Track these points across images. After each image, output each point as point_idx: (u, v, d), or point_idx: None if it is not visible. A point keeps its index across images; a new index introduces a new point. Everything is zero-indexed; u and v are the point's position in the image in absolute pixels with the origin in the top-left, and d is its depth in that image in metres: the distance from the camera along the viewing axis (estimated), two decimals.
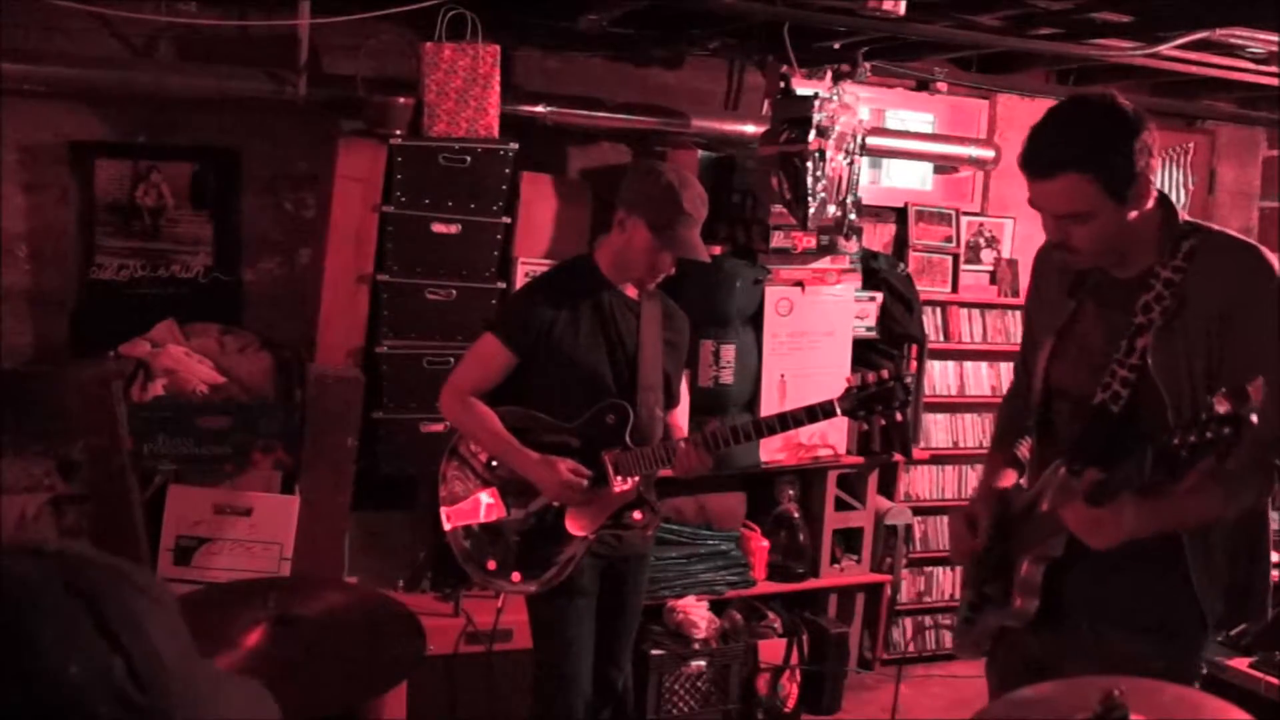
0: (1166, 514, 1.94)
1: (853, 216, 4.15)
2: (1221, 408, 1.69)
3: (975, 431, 5.04)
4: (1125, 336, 2.05)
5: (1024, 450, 2.38)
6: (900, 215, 5.02)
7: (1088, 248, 2.05)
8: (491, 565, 2.88)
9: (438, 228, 3.78)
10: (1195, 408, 1.95)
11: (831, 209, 4.02)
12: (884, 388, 2.65)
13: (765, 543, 4.39)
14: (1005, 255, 5.14)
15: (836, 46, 4.05)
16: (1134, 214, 2.02)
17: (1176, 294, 2.01)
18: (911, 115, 5.13)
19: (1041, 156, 2.00)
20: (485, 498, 2.91)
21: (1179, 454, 1.76)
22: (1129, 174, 1.97)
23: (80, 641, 0.82)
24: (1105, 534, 1.93)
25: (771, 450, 4.25)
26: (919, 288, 4.73)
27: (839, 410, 2.70)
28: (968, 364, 5.02)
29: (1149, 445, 1.84)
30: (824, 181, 3.88)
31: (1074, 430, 2.14)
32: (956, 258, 5.07)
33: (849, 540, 4.60)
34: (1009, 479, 2.34)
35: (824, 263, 4.30)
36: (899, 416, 2.70)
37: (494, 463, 2.90)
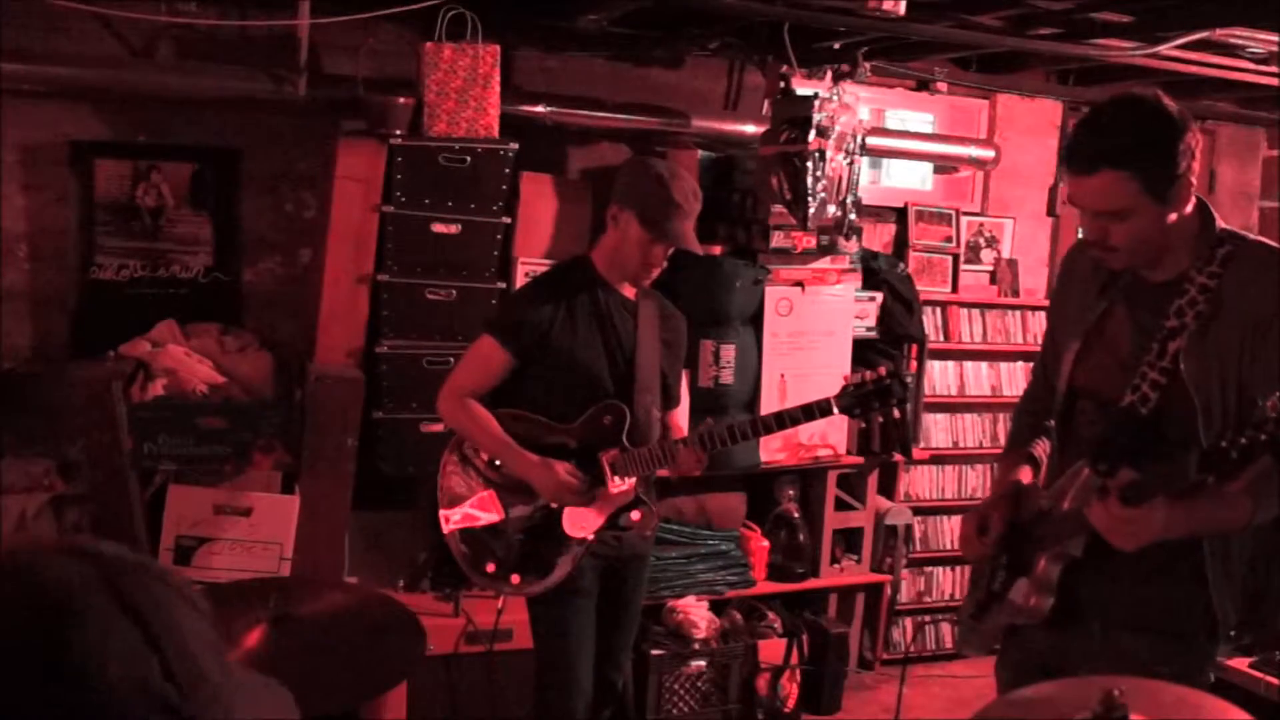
0: (1194, 517, 1.94)
1: (853, 216, 4.16)
2: (1276, 410, 1.70)
3: (975, 431, 5.04)
4: (1156, 340, 2.04)
5: (1040, 450, 2.37)
6: (900, 215, 5.02)
7: (1125, 247, 2.03)
8: (490, 568, 2.88)
9: (438, 228, 3.78)
10: (1225, 414, 1.96)
11: (831, 209, 4.02)
12: (881, 385, 2.64)
13: (765, 543, 4.39)
14: (1005, 255, 5.13)
15: (836, 46, 4.05)
16: (1173, 216, 2.01)
17: (1211, 300, 2.00)
18: (911, 115, 5.13)
19: (1084, 152, 1.99)
20: (484, 500, 2.91)
21: (1229, 455, 1.75)
22: (1171, 174, 1.96)
23: (119, 642, 0.83)
24: (1134, 535, 1.93)
25: (771, 450, 4.25)
26: (919, 288, 4.73)
27: (836, 408, 2.69)
28: (968, 364, 5.02)
29: (1190, 443, 1.84)
30: (824, 181, 3.88)
31: (1098, 431, 2.13)
32: (956, 258, 5.06)
33: (849, 540, 4.60)
34: (1026, 477, 2.33)
35: (824, 263, 4.30)
36: (896, 414, 2.70)
37: (493, 464, 2.90)
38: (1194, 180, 2.00)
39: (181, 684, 0.84)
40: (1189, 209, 2.04)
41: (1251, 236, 2.10)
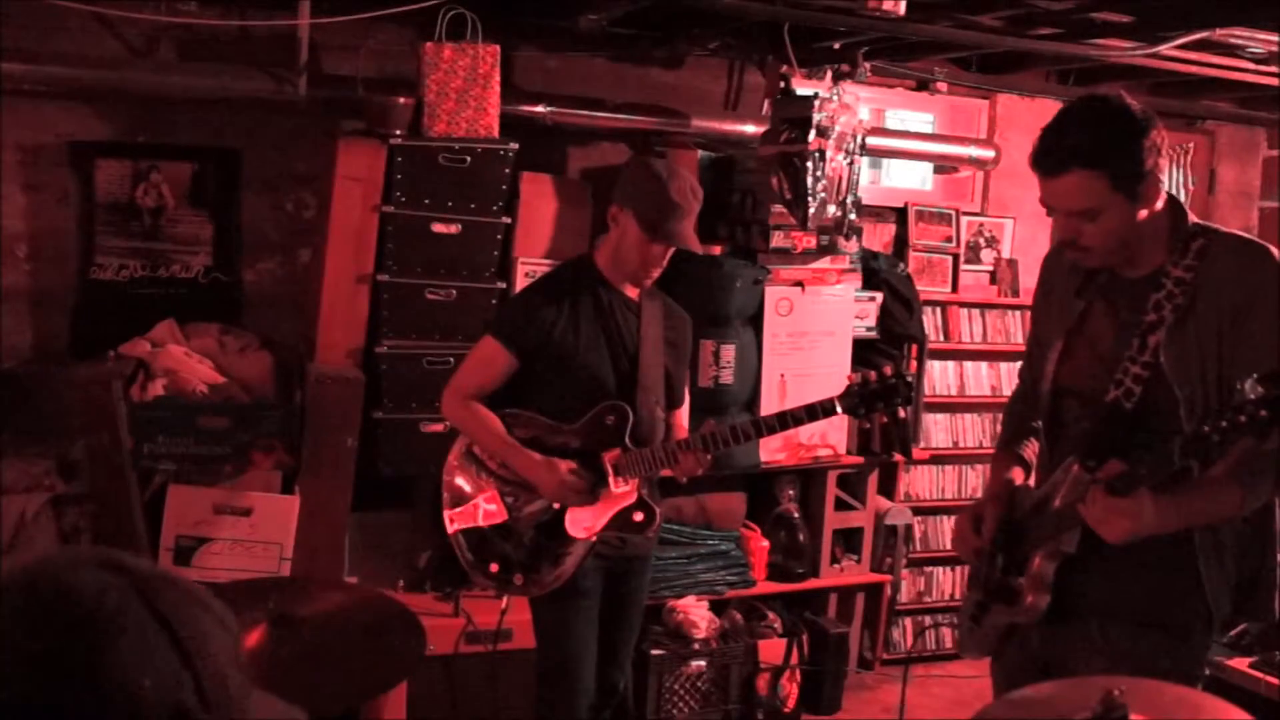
0: (1184, 509, 1.96)
1: (853, 216, 4.16)
2: (1255, 392, 1.72)
3: (975, 431, 5.04)
4: (1137, 335, 2.07)
5: (1030, 452, 2.39)
6: (900, 215, 5.02)
7: (1098, 246, 2.07)
8: (494, 568, 2.88)
9: (438, 228, 3.78)
10: (1207, 404, 1.98)
11: (831, 209, 4.02)
12: (886, 384, 2.64)
13: (765, 543, 4.38)
14: (1005, 255, 5.14)
15: (836, 46, 4.05)
16: (1144, 213, 2.05)
17: (1188, 293, 2.04)
18: (911, 115, 5.13)
19: (1051, 154, 2.03)
20: (488, 500, 2.91)
21: (1210, 439, 1.78)
22: (1138, 171, 2.00)
23: (154, 656, 0.84)
24: (1123, 527, 1.95)
25: (771, 450, 4.25)
26: (919, 288, 4.73)
27: (840, 408, 2.69)
28: (968, 364, 5.02)
29: (1176, 435, 1.86)
30: (824, 181, 3.88)
31: (1084, 428, 2.15)
32: (956, 258, 5.06)
33: (849, 540, 4.60)
34: (1017, 478, 2.35)
35: (824, 263, 4.30)
36: (902, 412, 2.70)
37: (496, 465, 2.90)
38: (1162, 177, 2.05)
39: (209, 700, 0.85)
40: (1159, 205, 2.08)
41: (1223, 229, 2.14)
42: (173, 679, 0.84)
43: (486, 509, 2.90)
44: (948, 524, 5.01)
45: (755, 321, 4.22)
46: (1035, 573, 2.17)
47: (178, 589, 0.90)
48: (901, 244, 5.01)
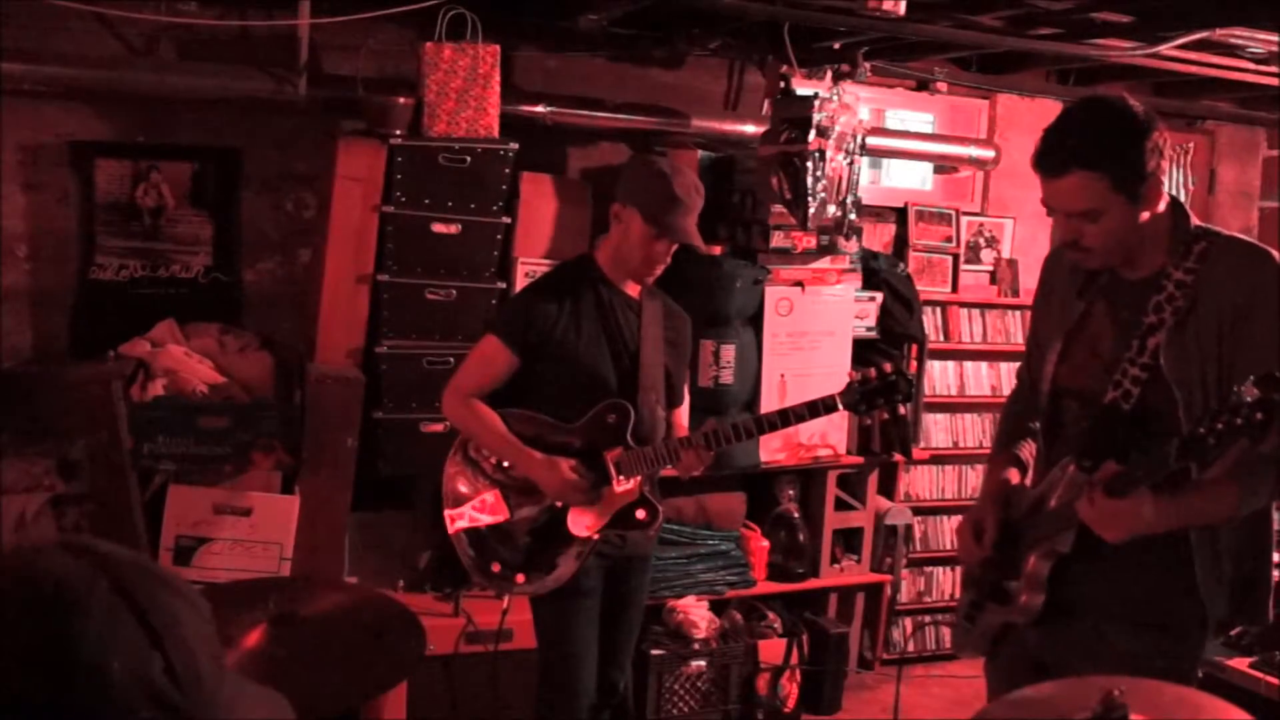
0: (1183, 509, 1.97)
1: (853, 216, 4.16)
2: (1251, 395, 1.73)
3: (975, 431, 5.04)
4: (1136, 336, 2.08)
5: (1026, 453, 2.39)
6: (900, 215, 5.02)
7: (1100, 247, 2.08)
8: (496, 568, 2.88)
9: (438, 228, 3.78)
10: (1206, 406, 1.98)
11: (831, 209, 4.02)
12: (887, 381, 2.65)
13: (765, 543, 4.38)
14: (1005, 255, 5.13)
15: (836, 46, 4.05)
16: (1145, 215, 2.06)
17: (1188, 295, 2.04)
18: (911, 115, 5.13)
19: (1053, 155, 2.04)
20: (489, 499, 2.90)
21: (1207, 441, 1.79)
22: (1139, 173, 2.01)
23: (123, 639, 0.85)
24: (1121, 526, 1.95)
25: (771, 450, 4.25)
26: (919, 288, 4.73)
27: (841, 405, 2.69)
28: (968, 364, 5.02)
29: (1173, 437, 1.87)
30: (824, 181, 3.88)
31: (1083, 429, 2.15)
32: (956, 258, 5.06)
33: (849, 540, 4.60)
34: (1012, 479, 2.35)
35: (824, 263, 4.30)
36: (902, 409, 2.70)
37: (497, 464, 2.90)
38: (1163, 179, 2.06)
39: (181, 681, 0.85)
40: (1161, 207, 2.09)
41: (1225, 231, 2.14)
42: (142, 660, 0.84)
43: (488, 509, 2.90)
44: (948, 524, 5.01)
45: (755, 321, 4.22)
46: (1030, 572, 2.18)
47: (144, 571, 0.90)
48: (901, 244, 5.01)
